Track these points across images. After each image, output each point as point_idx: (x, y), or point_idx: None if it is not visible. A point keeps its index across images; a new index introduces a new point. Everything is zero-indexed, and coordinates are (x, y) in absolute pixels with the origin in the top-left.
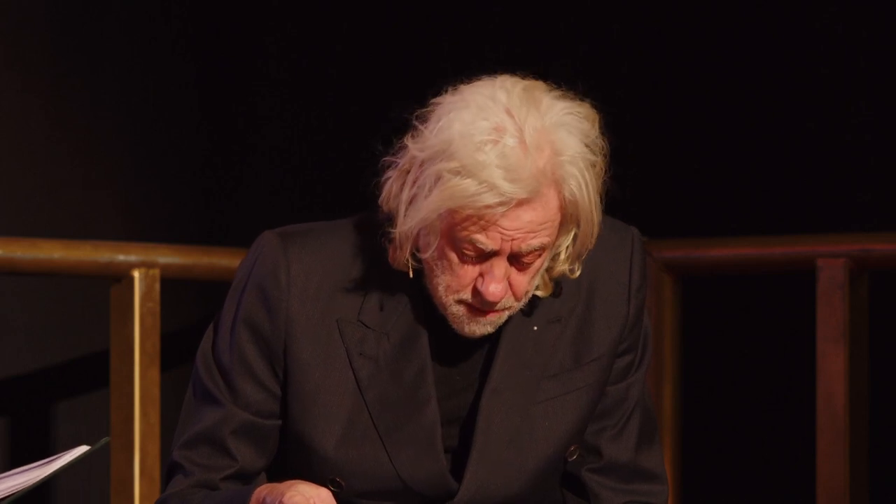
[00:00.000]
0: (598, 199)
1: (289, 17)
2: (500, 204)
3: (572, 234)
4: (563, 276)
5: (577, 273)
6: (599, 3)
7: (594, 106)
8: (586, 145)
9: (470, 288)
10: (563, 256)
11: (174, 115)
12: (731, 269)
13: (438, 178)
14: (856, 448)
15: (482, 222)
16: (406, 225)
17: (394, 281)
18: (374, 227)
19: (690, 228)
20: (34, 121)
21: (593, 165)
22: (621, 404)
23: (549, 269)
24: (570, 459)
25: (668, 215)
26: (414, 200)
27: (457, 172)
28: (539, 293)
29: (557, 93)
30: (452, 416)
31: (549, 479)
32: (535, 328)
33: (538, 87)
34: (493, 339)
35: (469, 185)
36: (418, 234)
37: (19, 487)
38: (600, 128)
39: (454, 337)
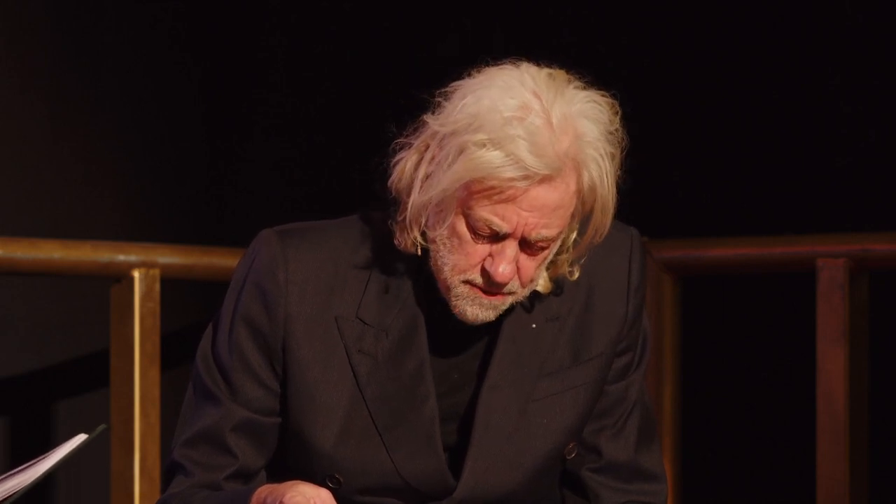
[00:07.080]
0: (614, 190)
1: (290, 17)
2: (524, 178)
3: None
4: (562, 276)
5: (576, 276)
6: (600, 3)
7: (615, 98)
8: (606, 136)
9: (478, 268)
10: (569, 250)
11: (174, 116)
12: (731, 269)
13: (462, 150)
14: (856, 448)
15: (502, 196)
16: (423, 197)
17: (392, 277)
18: (371, 224)
19: (690, 228)
20: (34, 121)
21: (612, 157)
22: (620, 404)
23: (550, 266)
24: (568, 458)
25: (668, 215)
26: (431, 176)
27: (482, 145)
28: (539, 289)
29: (578, 83)
30: (450, 413)
31: (548, 477)
32: (534, 326)
33: (561, 76)
34: (490, 336)
35: (495, 156)
36: (431, 209)
37: (22, 484)
38: (620, 121)
39: (452, 333)
